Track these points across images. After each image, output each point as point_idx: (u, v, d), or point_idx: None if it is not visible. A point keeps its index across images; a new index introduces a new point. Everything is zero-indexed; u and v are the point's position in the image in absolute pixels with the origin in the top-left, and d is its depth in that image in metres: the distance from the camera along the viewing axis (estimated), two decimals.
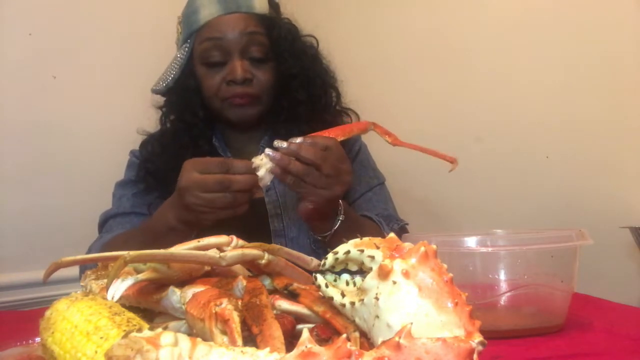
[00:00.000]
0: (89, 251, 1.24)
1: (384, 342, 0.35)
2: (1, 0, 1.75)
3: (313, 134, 1.03)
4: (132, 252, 0.53)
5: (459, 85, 1.86)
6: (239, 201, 1.00)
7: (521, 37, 1.72)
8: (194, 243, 0.59)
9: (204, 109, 1.31)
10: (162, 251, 0.55)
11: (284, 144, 0.98)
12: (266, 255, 0.61)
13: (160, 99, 1.38)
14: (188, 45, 1.28)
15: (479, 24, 1.82)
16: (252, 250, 0.60)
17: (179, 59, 1.30)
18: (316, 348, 0.34)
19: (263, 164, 0.98)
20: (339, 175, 1.02)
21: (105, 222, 1.32)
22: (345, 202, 1.12)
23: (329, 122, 1.30)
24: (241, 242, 0.62)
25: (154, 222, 1.14)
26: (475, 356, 0.36)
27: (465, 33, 1.85)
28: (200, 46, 1.26)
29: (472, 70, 1.83)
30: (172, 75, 1.30)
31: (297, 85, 1.30)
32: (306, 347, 0.34)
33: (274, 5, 1.35)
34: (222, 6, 1.25)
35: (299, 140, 0.99)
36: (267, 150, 0.98)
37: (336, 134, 1.05)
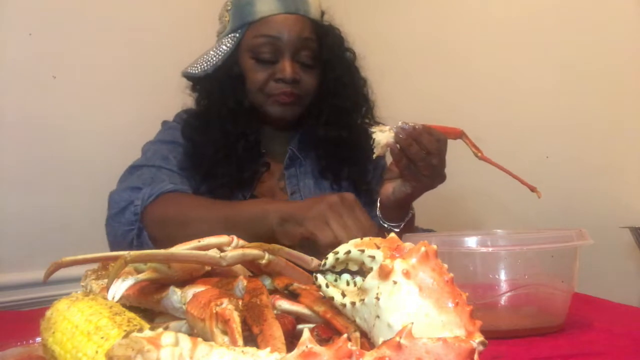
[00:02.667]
0: (132, 191, 1.16)
1: (384, 342, 0.35)
2: (1, 0, 1.75)
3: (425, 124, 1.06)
4: (133, 252, 0.53)
5: (458, 86, 1.86)
6: None
7: (521, 37, 1.72)
8: (194, 243, 0.59)
9: (243, 99, 1.29)
10: (162, 251, 0.55)
11: (410, 126, 1.03)
12: (266, 255, 0.61)
13: (179, 84, 1.35)
14: (237, 35, 1.28)
15: (479, 25, 1.82)
16: (252, 250, 0.60)
17: (224, 47, 1.29)
18: (317, 348, 0.34)
19: (383, 136, 1.03)
20: (442, 168, 1.08)
21: (137, 168, 1.24)
22: None
23: (365, 131, 1.30)
24: (241, 242, 0.62)
25: (245, 209, 1.06)
26: (476, 356, 0.36)
27: (466, 34, 1.85)
28: (253, 40, 1.26)
29: (472, 71, 1.83)
30: (214, 62, 1.29)
31: (343, 93, 1.32)
32: (307, 347, 0.34)
33: (321, 13, 1.36)
34: (282, 5, 1.25)
35: (418, 125, 1.03)
36: (395, 128, 1.03)
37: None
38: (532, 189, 1.08)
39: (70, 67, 1.83)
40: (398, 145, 1.04)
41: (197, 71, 1.30)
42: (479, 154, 1.10)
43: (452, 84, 1.88)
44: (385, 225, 1.15)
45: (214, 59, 1.29)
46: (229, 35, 1.29)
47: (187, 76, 1.34)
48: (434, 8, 1.95)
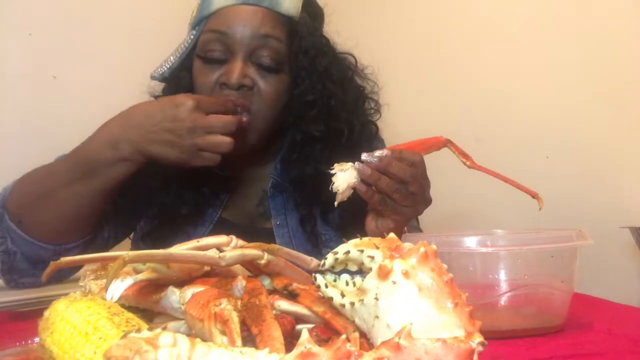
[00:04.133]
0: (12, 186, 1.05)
1: (383, 343, 0.35)
2: (1, 0, 1.75)
3: (396, 147, 0.95)
4: (132, 253, 0.53)
5: (458, 86, 1.86)
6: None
7: (521, 37, 1.72)
8: (193, 243, 0.59)
9: None
10: (161, 251, 0.55)
11: (374, 158, 0.89)
12: (266, 256, 0.60)
13: (159, 87, 1.21)
14: (195, 32, 1.10)
15: (479, 24, 1.82)
16: (251, 251, 0.60)
17: (182, 46, 1.12)
18: (315, 348, 0.34)
19: (344, 178, 0.90)
20: (423, 192, 0.95)
21: None
22: None
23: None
24: (240, 242, 0.62)
25: (94, 149, 0.97)
26: (475, 357, 0.36)
27: (465, 33, 1.85)
28: (202, 37, 1.07)
29: (472, 71, 1.83)
30: (170, 64, 1.12)
31: (313, 116, 1.09)
32: (305, 347, 0.34)
33: (312, 13, 1.14)
34: None
35: (385, 153, 0.90)
36: (357, 164, 0.90)
37: (417, 149, 0.97)
38: (534, 196, 1.01)
39: (70, 67, 1.83)
40: (363, 185, 0.89)
41: (157, 75, 1.14)
42: (468, 163, 1.01)
43: (452, 85, 1.88)
44: None
45: (172, 59, 1.12)
46: (190, 32, 1.11)
47: (154, 79, 1.17)
48: (433, 9, 1.95)
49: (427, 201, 0.98)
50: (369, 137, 1.16)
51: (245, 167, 1.18)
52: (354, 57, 1.18)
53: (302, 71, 1.07)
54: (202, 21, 1.09)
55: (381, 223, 0.96)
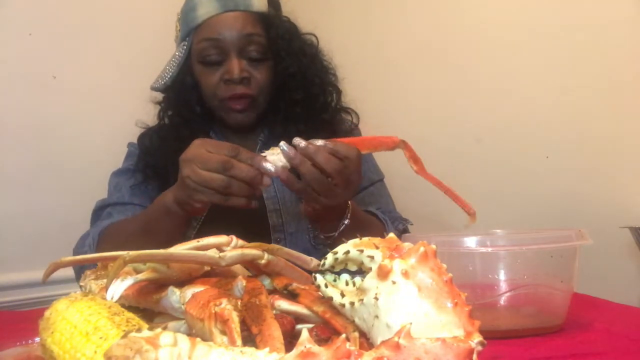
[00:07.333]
0: (84, 239, 1.22)
1: (383, 342, 0.35)
2: (1, 0, 1.75)
3: (338, 140, 0.98)
4: (132, 252, 0.53)
5: (459, 86, 1.86)
6: (234, 189, 0.96)
7: (521, 37, 1.72)
8: (193, 243, 0.59)
9: (201, 105, 1.31)
10: (161, 251, 0.55)
11: (303, 143, 0.93)
12: (266, 255, 0.61)
13: (159, 95, 1.38)
14: (186, 43, 1.28)
15: (478, 24, 1.82)
16: (251, 250, 0.60)
17: (177, 56, 1.30)
18: (315, 348, 0.34)
19: (276, 159, 0.94)
20: (347, 187, 0.98)
21: (100, 209, 1.30)
22: (352, 202, 1.10)
23: (328, 121, 1.31)
24: (241, 242, 0.62)
25: (152, 205, 1.12)
26: (474, 356, 0.36)
27: (465, 33, 1.85)
28: (198, 46, 1.25)
29: (472, 71, 1.83)
30: (171, 74, 1.30)
31: (294, 85, 1.28)
32: (305, 347, 0.34)
33: (274, 3, 1.33)
34: (220, 4, 1.23)
35: (319, 142, 0.94)
36: (282, 145, 0.93)
37: (363, 145, 0.98)
38: (468, 212, 0.99)
39: (70, 67, 1.83)
40: (287, 170, 0.94)
41: (158, 85, 1.32)
42: (415, 168, 0.98)
43: (452, 84, 1.88)
44: (319, 238, 1.11)
45: (171, 70, 1.30)
46: (180, 44, 1.30)
47: (155, 90, 1.35)
48: (432, 11, 1.95)
49: (348, 195, 1.02)
50: (337, 100, 1.34)
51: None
52: (315, 36, 1.35)
53: (281, 52, 1.26)
54: (191, 32, 1.27)
55: (301, 207, 1.04)
